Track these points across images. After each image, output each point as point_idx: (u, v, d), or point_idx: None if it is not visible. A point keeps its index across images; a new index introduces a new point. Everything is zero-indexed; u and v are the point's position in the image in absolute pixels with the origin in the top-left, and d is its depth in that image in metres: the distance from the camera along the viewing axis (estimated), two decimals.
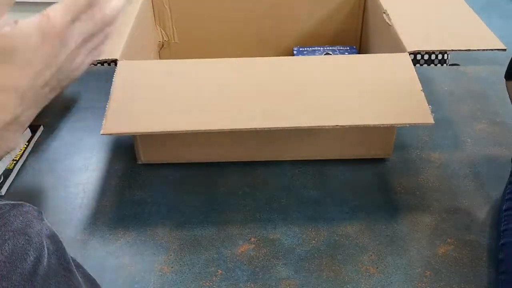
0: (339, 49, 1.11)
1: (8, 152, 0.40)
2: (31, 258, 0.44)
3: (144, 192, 0.86)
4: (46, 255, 0.46)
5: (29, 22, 0.37)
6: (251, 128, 0.69)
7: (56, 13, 0.37)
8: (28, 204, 0.47)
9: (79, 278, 0.51)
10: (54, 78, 0.40)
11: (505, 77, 0.77)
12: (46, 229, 0.47)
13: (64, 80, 0.42)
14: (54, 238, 0.48)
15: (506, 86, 0.77)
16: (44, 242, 0.46)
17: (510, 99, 0.78)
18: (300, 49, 1.12)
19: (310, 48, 1.11)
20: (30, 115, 0.40)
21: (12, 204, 0.45)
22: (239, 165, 0.90)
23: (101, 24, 0.41)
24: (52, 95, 0.42)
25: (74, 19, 0.38)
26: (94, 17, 0.40)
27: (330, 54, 1.09)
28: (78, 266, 0.52)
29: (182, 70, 0.79)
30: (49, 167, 0.91)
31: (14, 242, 0.43)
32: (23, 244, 0.43)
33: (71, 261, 0.50)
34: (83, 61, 0.42)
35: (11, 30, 0.36)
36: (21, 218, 0.44)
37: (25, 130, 0.40)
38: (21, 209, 0.45)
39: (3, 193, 0.84)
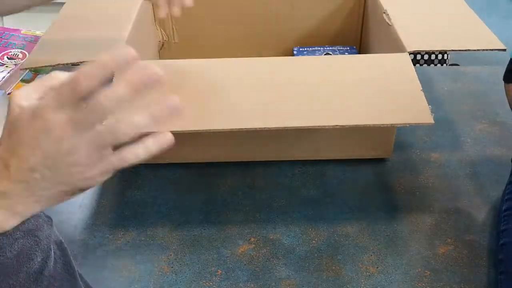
0: (339, 49, 1.11)
1: None
2: (38, 259, 0.45)
3: (144, 192, 0.86)
4: (52, 259, 0.47)
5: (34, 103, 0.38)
6: (251, 128, 0.69)
7: (49, 96, 0.37)
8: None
9: (82, 286, 0.52)
10: (48, 173, 0.39)
11: (503, 80, 0.77)
12: (55, 235, 0.49)
13: (66, 183, 0.41)
14: (61, 245, 0.50)
15: (505, 89, 0.77)
16: (52, 247, 0.47)
17: (509, 101, 0.78)
18: (300, 49, 1.12)
19: (310, 48, 1.11)
20: (25, 202, 0.40)
21: None
22: (239, 165, 0.90)
23: (114, 137, 0.39)
24: (59, 198, 0.43)
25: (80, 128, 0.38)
26: (114, 130, 0.38)
27: (330, 54, 1.09)
28: (81, 277, 0.54)
29: (182, 70, 0.79)
30: None
31: (23, 242, 0.44)
32: (32, 245, 0.44)
33: (76, 269, 0.51)
34: (93, 174, 0.41)
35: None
36: (32, 220, 0.46)
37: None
38: None
39: None
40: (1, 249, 0.43)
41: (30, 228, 0.45)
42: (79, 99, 0.37)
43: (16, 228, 0.44)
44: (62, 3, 0.94)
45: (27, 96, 0.39)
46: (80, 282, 0.52)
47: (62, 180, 0.41)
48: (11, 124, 0.38)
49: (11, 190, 0.40)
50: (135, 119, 0.38)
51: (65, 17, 0.92)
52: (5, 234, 0.43)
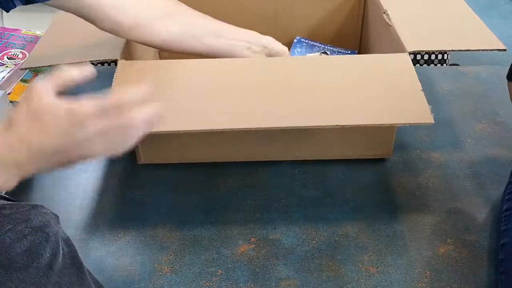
0: (339, 51, 1.11)
1: None
2: (47, 254, 0.46)
3: (144, 192, 0.86)
4: (61, 255, 0.48)
5: (62, 102, 0.46)
6: (251, 128, 0.69)
7: (88, 105, 0.47)
8: (46, 207, 0.49)
9: (91, 282, 0.53)
10: (64, 153, 0.47)
11: (507, 78, 0.77)
12: (62, 233, 0.50)
13: (72, 158, 0.49)
14: (68, 242, 0.52)
15: (508, 87, 0.77)
16: (60, 243, 0.48)
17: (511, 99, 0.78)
18: (302, 39, 1.11)
19: (311, 42, 1.11)
20: (28, 169, 0.47)
21: (32, 205, 0.48)
22: (239, 165, 0.90)
23: (123, 127, 0.49)
24: (55, 167, 0.49)
25: (100, 114, 0.47)
26: (119, 118, 0.48)
27: (327, 54, 1.09)
28: (89, 272, 0.55)
29: (182, 70, 0.79)
30: None
31: (32, 238, 0.45)
32: (41, 241, 0.46)
33: (83, 264, 0.52)
34: (93, 149, 0.49)
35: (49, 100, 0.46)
36: (40, 217, 0.47)
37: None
38: (41, 210, 0.48)
39: (2, 193, 0.84)
40: (11, 245, 0.44)
41: (38, 225, 0.46)
42: (119, 114, 0.48)
43: (25, 225, 0.45)
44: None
45: (47, 91, 0.46)
46: (89, 278, 0.53)
47: (71, 159, 0.49)
48: (36, 112, 0.45)
49: (26, 164, 0.46)
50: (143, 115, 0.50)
51: (65, 17, 0.92)
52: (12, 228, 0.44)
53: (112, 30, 0.75)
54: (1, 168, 0.46)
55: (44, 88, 0.46)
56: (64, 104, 0.46)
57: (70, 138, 0.46)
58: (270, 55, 0.86)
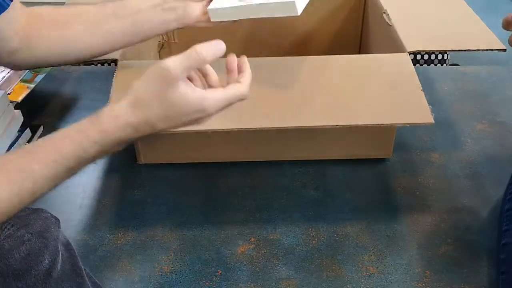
0: None
1: None
2: (47, 261, 0.45)
3: (144, 192, 0.86)
4: (60, 261, 0.47)
5: (195, 92, 0.45)
6: (251, 128, 0.69)
7: (218, 94, 0.47)
8: (47, 210, 0.48)
9: (90, 286, 0.53)
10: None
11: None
12: (62, 237, 0.49)
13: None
14: (68, 246, 0.51)
15: None
16: (60, 248, 0.47)
17: None
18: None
19: None
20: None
21: (33, 209, 0.47)
22: (239, 165, 0.90)
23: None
24: None
25: (227, 104, 0.47)
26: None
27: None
28: (89, 276, 0.54)
29: None
30: None
31: (31, 244, 0.44)
32: (40, 247, 0.45)
33: (83, 269, 0.51)
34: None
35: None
36: (40, 222, 0.46)
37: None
38: (41, 214, 0.47)
39: None
40: (10, 251, 0.43)
41: (38, 230, 0.45)
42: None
43: (24, 230, 0.44)
44: (62, 3, 0.94)
45: (182, 78, 0.44)
46: (88, 282, 0.52)
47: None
48: (169, 102, 0.44)
49: (142, 137, 0.46)
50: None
51: None
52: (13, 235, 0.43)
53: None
54: (121, 141, 0.45)
55: (179, 75, 0.44)
56: (197, 93, 0.45)
57: (194, 123, 0.47)
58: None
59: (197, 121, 0.47)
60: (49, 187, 0.44)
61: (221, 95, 0.47)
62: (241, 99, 0.49)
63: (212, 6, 0.66)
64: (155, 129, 0.46)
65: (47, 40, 0.63)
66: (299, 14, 0.60)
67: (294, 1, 0.59)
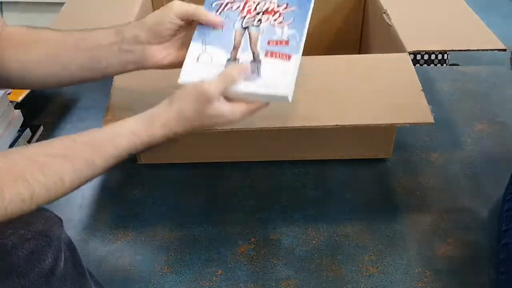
0: None
1: None
2: (50, 259, 0.46)
3: (144, 192, 0.86)
4: (63, 259, 0.48)
5: (226, 106, 0.55)
6: (251, 128, 0.69)
7: (242, 107, 0.56)
8: (50, 210, 0.49)
9: (92, 285, 0.53)
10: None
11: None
12: (65, 236, 0.50)
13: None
14: (71, 246, 0.51)
15: None
16: (62, 247, 0.47)
17: None
18: None
19: None
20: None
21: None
22: (239, 165, 0.90)
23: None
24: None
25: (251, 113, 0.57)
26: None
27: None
28: (91, 275, 0.54)
29: None
30: None
31: (35, 242, 0.45)
32: (43, 246, 0.45)
33: (85, 268, 0.52)
34: None
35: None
36: (43, 221, 0.46)
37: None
38: (44, 214, 0.48)
39: None
40: (13, 249, 0.43)
41: (41, 229, 0.46)
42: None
43: (28, 229, 0.45)
44: (62, 3, 0.94)
45: (218, 98, 0.54)
46: (90, 281, 0.53)
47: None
48: (204, 114, 0.54)
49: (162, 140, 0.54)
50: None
51: (65, 17, 0.92)
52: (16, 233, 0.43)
53: None
54: (159, 139, 0.53)
55: (216, 97, 0.53)
56: (226, 107, 0.55)
57: (220, 126, 0.56)
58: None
59: (220, 125, 0.57)
60: (97, 177, 0.51)
61: (245, 109, 0.56)
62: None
63: (187, 78, 0.58)
64: (187, 131, 0.55)
65: (9, 61, 0.60)
66: (290, 102, 0.57)
67: (287, 96, 0.56)
